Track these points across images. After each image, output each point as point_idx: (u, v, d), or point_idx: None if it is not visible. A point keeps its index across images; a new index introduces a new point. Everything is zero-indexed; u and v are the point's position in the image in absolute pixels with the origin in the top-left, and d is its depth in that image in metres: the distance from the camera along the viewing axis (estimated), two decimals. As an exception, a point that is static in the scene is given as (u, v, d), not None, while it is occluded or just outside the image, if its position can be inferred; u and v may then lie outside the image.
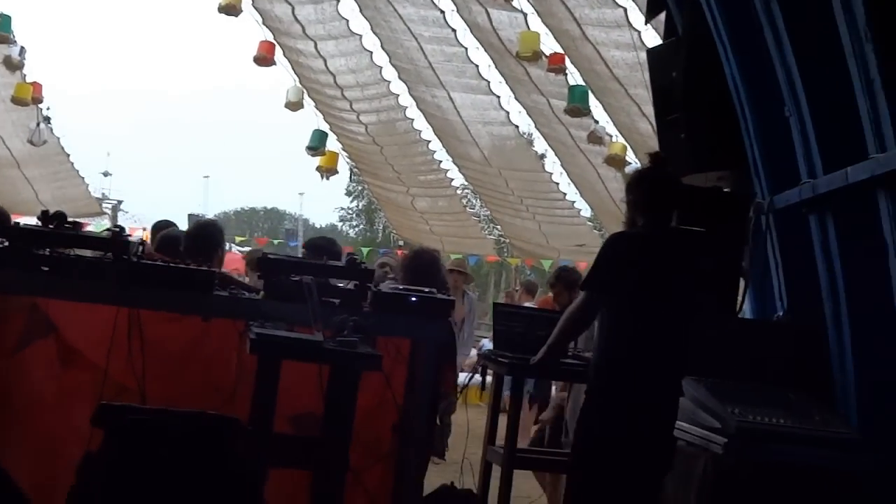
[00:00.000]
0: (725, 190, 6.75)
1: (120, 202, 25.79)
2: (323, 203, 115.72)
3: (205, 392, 5.04)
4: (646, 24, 8.20)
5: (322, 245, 6.88)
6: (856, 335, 5.14)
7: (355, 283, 5.27)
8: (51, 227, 5.08)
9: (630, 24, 12.45)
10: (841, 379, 5.31)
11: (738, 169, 6.49)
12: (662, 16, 7.43)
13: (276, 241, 31.82)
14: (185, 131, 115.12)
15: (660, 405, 4.68)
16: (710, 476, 4.85)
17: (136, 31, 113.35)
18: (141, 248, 5.27)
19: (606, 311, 4.69)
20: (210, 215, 63.20)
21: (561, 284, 8.46)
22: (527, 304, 12.70)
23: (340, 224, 67.42)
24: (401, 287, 5.47)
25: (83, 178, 23.20)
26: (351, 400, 4.53)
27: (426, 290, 5.39)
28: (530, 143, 20.62)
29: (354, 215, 56.70)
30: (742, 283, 6.37)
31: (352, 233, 59.90)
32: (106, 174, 34.47)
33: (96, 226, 24.41)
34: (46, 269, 5.04)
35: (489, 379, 6.01)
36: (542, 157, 20.29)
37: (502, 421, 5.81)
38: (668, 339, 4.65)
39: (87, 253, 5.37)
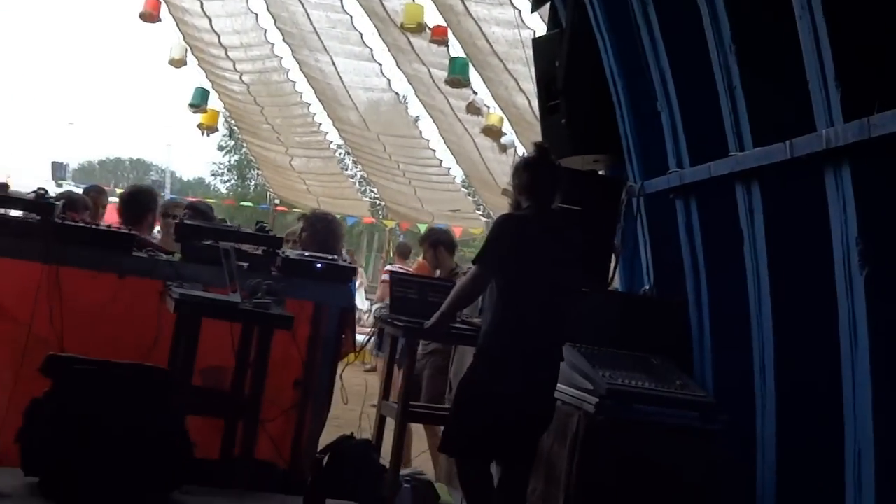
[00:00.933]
0: (601, 173, 7.38)
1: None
2: (191, 156, 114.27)
3: (121, 346, 5.40)
4: (532, 12, 8.68)
5: (203, 210, 7.29)
6: (713, 310, 5.79)
7: (264, 249, 5.72)
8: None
9: (512, 3, 12.99)
10: (699, 348, 5.96)
11: (612, 153, 7.11)
12: (547, 7, 8.02)
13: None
14: (51, 77, 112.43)
15: (542, 368, 5.25)
16: (583, 431, 5.42)
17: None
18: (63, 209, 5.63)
19: (496, 285, 5.23)
20: (74, 164, 62.00)
21: (427, 243, 9.03)
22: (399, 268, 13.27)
23: (210, 178, 66.88)
24: (306, 254, 5.93)
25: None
26: (264, 356, 5.00)
27: (330, 257, 5.88)
28: (406, 108, 21.11)
29: (226, 170, 56.30)
30: (613, 259, 7.01)
31: (223, 188, 59.51)
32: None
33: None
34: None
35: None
36: (417, 119, 20.82)
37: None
38: (550, 310, 5.21)
39: (15, 213, 5.68)
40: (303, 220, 8.09)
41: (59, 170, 44.31)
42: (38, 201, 5.48)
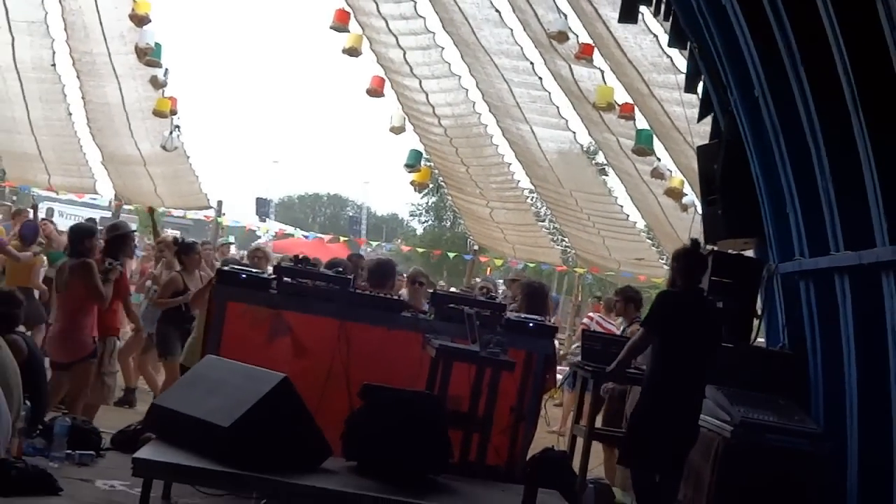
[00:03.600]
0: (749, 253, 9.38)
1: (220, 202, 28.44)
2: (386, 193, 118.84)
3: (391, 381, 7.70)
4: (698, 122, 10.68)
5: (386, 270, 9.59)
6: (825, 363, 7.74)
7: (491, 311, 7.99)
8: (298, 265, 7.87)
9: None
10: (814, 392, 7.91)
11: (758, 238, 9.11)
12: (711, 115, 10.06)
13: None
14: (259, 116, 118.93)
15: (688, 404, 7.29)
16: (722, 452, 7.46)
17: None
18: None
19: (657, 342, 7.33)
20: (276, 199, 65.57)
21: (622, 297, 11.13)
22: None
23: (405, 216, 70.01)
24: (522, 315, 8.17)
25: (197, 176, 25.51)
26: (494, 389, 7.24)
27: (538, 317, 8.10)
28: (597, 167, 23.26)
29: (424, 211, 59.32)
30: (756, 321, 9.01)
31: (419, 228, 62.56)
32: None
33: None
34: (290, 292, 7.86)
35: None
36: (603, 172, 22.92)
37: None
38: (695, 364, 7.24)
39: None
40: (519, 286, 10.36)
41: (262, 205, 47.30)
42: (338, 276, 7.90)
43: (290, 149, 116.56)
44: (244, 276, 7.91)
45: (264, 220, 48.98)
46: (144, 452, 6.01)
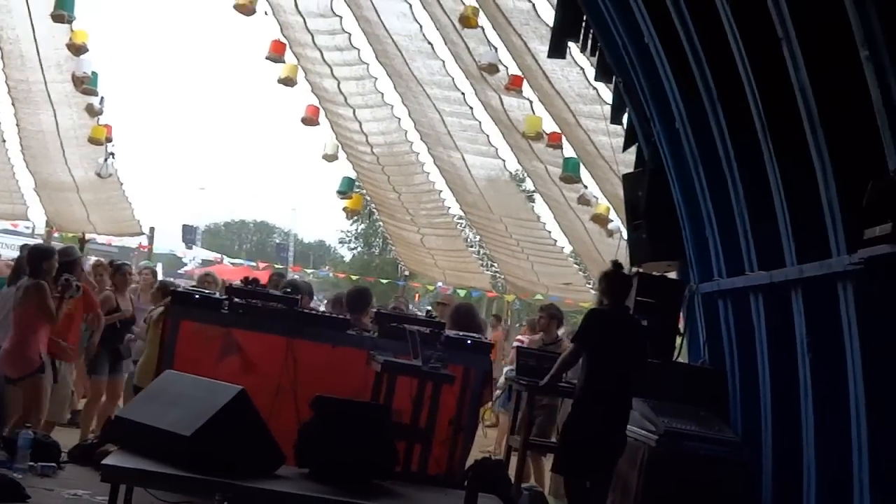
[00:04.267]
0: (672, 274, 9.98)
1: (152, 229, 28.65)
2: (314, 221, 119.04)
3: (336, 393, 8.14)
4: (623, 151, 11.29)
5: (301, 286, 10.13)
6: (742, 376, 8.31)
7: (431, 329, 8.46)
8: (248, 287, 8.30)
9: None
10: (733, 404, 8.48)
11: (680, 260, 9.71)
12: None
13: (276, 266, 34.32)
14: (187, 143, 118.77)
15: (617, 415, 7.82)
16: (647, 459, 7.99)
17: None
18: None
19: (586, 357, 7.86)
20: (202, 226, 65.38)
21: (546, 314, 11.68)
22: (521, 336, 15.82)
23: (330, 242, 70.13)
24: (460, 332, 8.67)
25: (130, 203, 25.60)
26: (436, 402, 7.72)
27: (475, 335, 8.60)
28: (525, 194, 23.93)
29: (353, 237, 59.71)
30: (679, 339, 9.59)
31: (347, 255, 62.89)
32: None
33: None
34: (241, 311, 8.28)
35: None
36: (531, 199, 23.61)
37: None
38: (621, 377, 7.79)
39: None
40: (447, 308, 10.92)
41: (189, 232, 47.25)
42: (285, 296, 8.33)
43: (216, 176, 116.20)
44: (197, 296, 8.33)
45: (191, 248, 48.88)
46: (112, 460, 6.37)
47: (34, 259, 9.20)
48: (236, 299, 8.33)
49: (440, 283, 26.93)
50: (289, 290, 8.99)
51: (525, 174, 22.50)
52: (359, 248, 60.00)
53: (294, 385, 8.28)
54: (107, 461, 6.35)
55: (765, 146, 6.85)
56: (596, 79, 11.37)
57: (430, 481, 7.94)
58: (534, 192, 23.68)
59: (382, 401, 7.67)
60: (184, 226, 47.75)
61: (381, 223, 26.54)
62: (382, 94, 18.98)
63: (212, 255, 46.16)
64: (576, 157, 17.91)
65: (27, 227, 27.22)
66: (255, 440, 6.66)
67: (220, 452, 6.39)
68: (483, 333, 9.22)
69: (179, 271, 38.43)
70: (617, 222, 18.89)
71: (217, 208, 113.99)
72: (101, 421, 10.60)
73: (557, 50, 10.89)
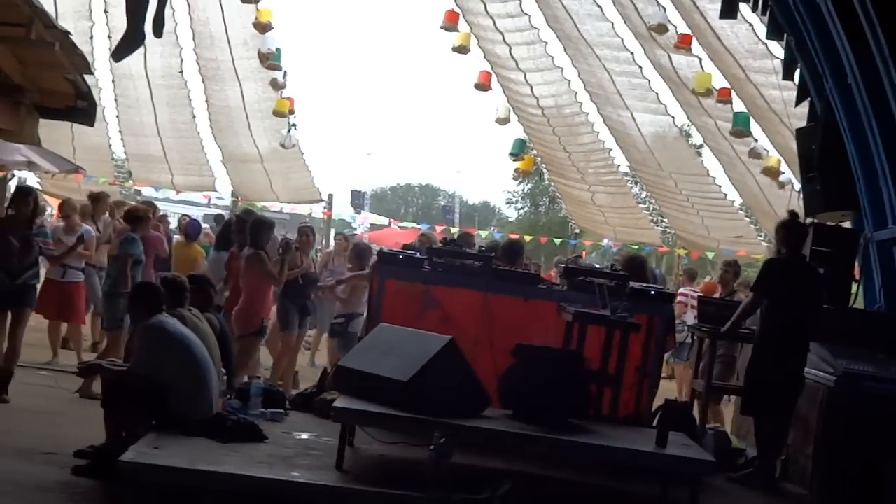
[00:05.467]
0: (846, 225, 10.32)
1: (330, 195, 29.82)
2: (478, 182, 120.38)
3: (530, 342, 8.81)
4: (795, 106, 11.59)
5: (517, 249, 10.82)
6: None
7: (617, 282, 9.05)
8: (447, 247, 9.05)
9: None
10: (910, 347, 8.85)
11: (854, 210, 10.05)
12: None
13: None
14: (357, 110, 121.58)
15: (795, 357, 8.30)
16: (826, 399, 8.45)
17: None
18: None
19: (766, 304, 8.35)
20: (369, 191, 66.84)
21: (732, 271, 12.25)
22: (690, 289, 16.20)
23: (495, 203, 70.83)
24: (643, 284, 9.23)
25: (310, 171, 26.74)
26: (625, 349, 8.32)
27: (657, 286, 9.16)
28: (694, 148, 24.17)
29: (520, 198, 60.30)
30: (855, 286, 9.95)
31: (513, 215, 63.53)
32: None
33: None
34: (441, 270, 9.04)
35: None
36: (699, 153, 23.85)
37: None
38: (800, 322, 8.26)
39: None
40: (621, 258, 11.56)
41: (357, 197, 48.42)
42: (481, 255, 9.05)
43: (382, 142, 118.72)
44: (401, 256, 9.15)
45: (359, 212, 50.16)
46: (341, 403, 7.22)
47: (255, 230, 10.17)
48: (436, 258, 9.09)
49: (607, 241, 27.28)
50: (483, 247, 9.72)
51: (692, 128, 22.76)
52: (525, 208, 60.58)
53: (490, 336, 8.97)
54: (337, 404, 7.19)
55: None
56: (768, 37, 11.68)
57: (621, 422, 8.53)
58: (701, 146, 23.87)
59: (574, 348, 8.30)
60: (352, 191, 48.85)
61: (551, 182, 27.05)
62: (553, 57, 19.52)
63: (380, 220, 47.37)
64: (746, 111, 18.12)
65: (219, 198, 28.61)
66: (464, 384, 7.39)
67: (434, 395, 7.14)
68: (663, 283, 9.76)
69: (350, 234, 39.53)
70: (788, 174, 19.02)
71: (383, 173, 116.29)
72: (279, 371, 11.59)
73: (730, 11, 11.27)
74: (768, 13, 10.79)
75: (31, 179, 22.18)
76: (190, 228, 14.93)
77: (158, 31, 7.63)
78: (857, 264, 10.05)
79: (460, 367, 7.46)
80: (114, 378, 7.54)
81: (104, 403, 7.43)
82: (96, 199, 14.25)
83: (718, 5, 12.08)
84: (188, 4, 19.60)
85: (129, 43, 7.61)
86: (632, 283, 9.04)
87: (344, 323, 11.63)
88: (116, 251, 11.16)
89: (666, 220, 26.73)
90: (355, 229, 47.98)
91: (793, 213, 8.72)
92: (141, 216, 11.51)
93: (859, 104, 9.07)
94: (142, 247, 11.08)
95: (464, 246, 10.55)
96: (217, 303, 9.70)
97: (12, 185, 16.59)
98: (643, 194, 27.21)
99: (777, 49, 13.65)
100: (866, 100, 8.86)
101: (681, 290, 16.33)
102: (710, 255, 25.49)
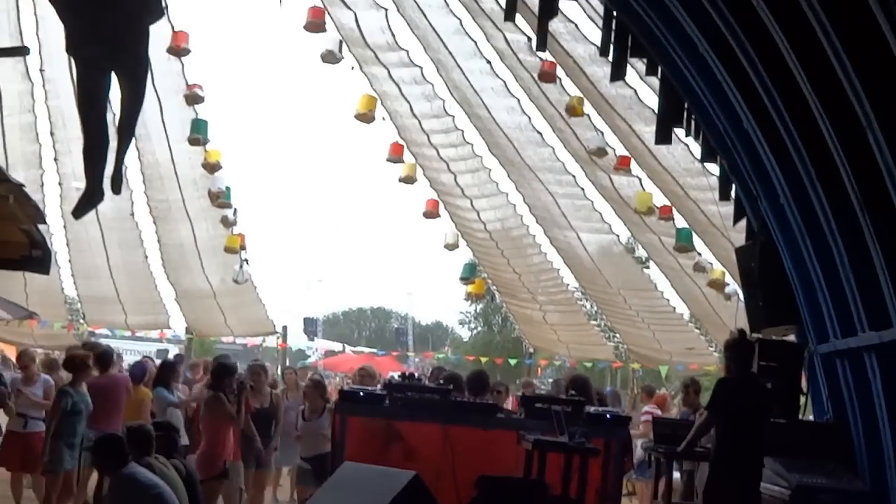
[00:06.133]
0: (791, 338, 10.66)
1: (285, 327, 29.99)
2: (430, 304, 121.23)
3: (491, 471, 8.99)
4: (734, 225, 12.02)
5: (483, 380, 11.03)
6: (865, 430, 8.95)
7: (573, 407, 9.29)
8: (405, 381, 9.25)
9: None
10: (858, 455, 9.11)
11: (797, 324, 10.39)
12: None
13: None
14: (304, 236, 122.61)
15: (751, 472, 8.53)
16: (782, 514, 8.68)
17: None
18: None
19: (719, 423, 8.60)
20: (321, 317, 66.72)
21: (693, 389, 12.56)
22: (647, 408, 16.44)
23: (447, 323, 71.20)
24: (599, 409, 9.47)
25: (263, 304, 26.86)
26: (585, 473, 8.52)
27: (613, 409, 9.40)
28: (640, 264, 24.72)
29: (473, 317, 60.75)
30: (802, 398, 10.24)
31: (466, 335, 63.90)
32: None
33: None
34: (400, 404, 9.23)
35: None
36: (646, 266, 24.48)
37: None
38: (753, 438, 8.51)
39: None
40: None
41: (310, 324, 48.43)
42: (439, 388, 9.26)
43: (332, 268, 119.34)
44: (361, 393, 9.35)
45: (313, 339, 50.08)
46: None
47: (216, 373, 10.34)
48: (395, 393, 9.29)
49: (564, 358, 27.56)
50: (441, 381, 9.95)
51: (636, 243, 23.35)
52: (478, 328, 60.96)
53: (453, 467, 9.14)
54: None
55: (861, 217, 7.58)
56: (702, 160, 12.15)
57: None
58: (648, 260, 24.42)
59: (535, 476, 8.49)
60: (305, 318, 48.72)
61: (503, 303, 27.42)
62: (497, 183, 20.05)
63: (334, 346, 47.32)
64: (688, 227, 18.64)
65: (175, 335, 28.63)
66: (430, 519, 7.54)
67: (401, 532, 7.27)
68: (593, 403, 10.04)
69: (303, 363, 39.57)
70: (734, 286, 19.45)
71: (335, 299, 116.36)
72: None
73: (664, 136, 11.72)
74: (701, 137, 11.26)
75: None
76: (136, 370, 14.62)
77: (117, 187, 7.85)
78: (803, 376, 10.34)
79: (426, 501, 7.60)
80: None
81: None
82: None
83: (654, 128, 12.57)
84: (137, 149, 19.92)
85: (88, 200, 7.80)
86: (588, 409, 9.27)
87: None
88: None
89: (618, 335, 27.10)
90: (309, 356, 47.97)
91: (741, 332, 9.03)
92: (77, 364, 11.41)
93: (792, 223, 9.47)
94: (77, 397, 11.06)
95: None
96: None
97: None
98: (594, 310, 27.56)
99: (712, 166, 14.17)
100: (798, 219, 9.26)
101: (645, 409, 16.56)
102: (664, 369, 25.85)
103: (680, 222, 18.80)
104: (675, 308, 23.22)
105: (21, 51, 14.16)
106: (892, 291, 7.46)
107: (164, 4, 7.57)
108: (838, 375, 9.41)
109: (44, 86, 18.62)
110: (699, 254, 19.52)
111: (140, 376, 14.52)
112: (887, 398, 8.15)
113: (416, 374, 10.37)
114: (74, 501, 12.74)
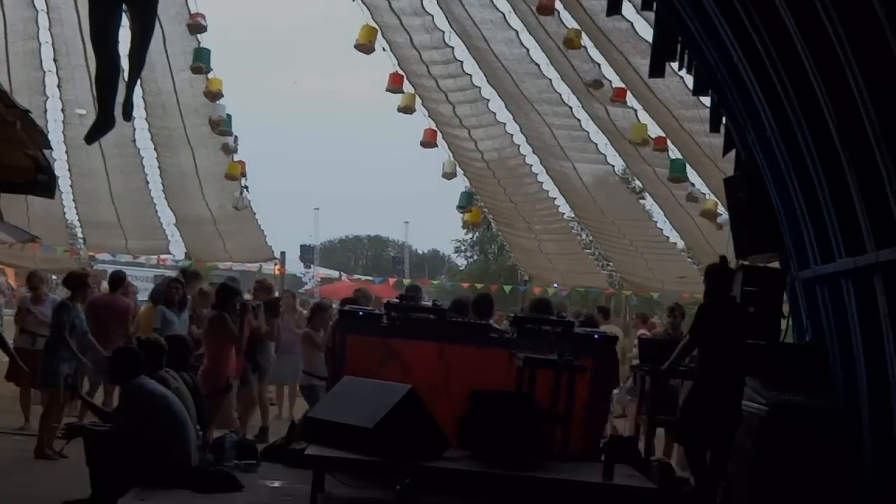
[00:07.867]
0: (774, 265, 11.08)
1: (283, 253, 30.38)
2: (427, 233, 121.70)
3: (483, 387, 9.41)
4: (723, 156, 12.37)
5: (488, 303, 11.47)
6: (841, 352, 9.39)
7: (562, 327, 9.72)
8: (403, 302, 9.68)
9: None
10: (834, 378, 9.56)
11: (780, 252, 10.80)
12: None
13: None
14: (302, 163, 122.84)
15: (732, 392, 8.96)
16: (759, 427, 9.13)
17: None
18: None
19: (701, 345, 9.03)
20: (318, 244, 66.88)
21: (679, 314, 13.03)
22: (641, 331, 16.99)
23: (444, 252, 71.63)
24: (588, 329, 9.91)
25: (263, 230, 27.17)
26: (572, 390, 8.98)
27: (600, 330, 9.85)
28: (636, 194, 25.10)
29: (469, 246, 61.11)
30: (784, 322, 10.68)
31: (462, 264, 64.30)
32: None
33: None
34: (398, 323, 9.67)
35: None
36: (641, 197, 24.89)
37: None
38: (733, 359, 8.91)
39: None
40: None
41: (306, 252, 48.73)
42: (435, 308, 9.70)
43: (330, 196, 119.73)
44: (361, 313, 9.78)
45: (309, 267, 50.36)
46: (313, 451, 7.82)
47: (221, 294, 10.79)
48: (393, 313, 9.71)
49: (558, 285, 28.02)
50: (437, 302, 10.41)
51: (632, 176, 23.72)
52: (474, 257, 61.39)
53: (447, 383, 9.58)
54: (309, 451, 7.78)
55: (840, 150, 7.96)
56: (694, 93, 12.45)
57: (571, 458, 9.16)
58: (642, 191, 24.83)
59: (526, 391, 8.95)
60: (301, 246, 48.88)
61: (499, 232, 27.83)
62: (495, 113, 20.36)
63: (331, 273, 47.58)
64: (681, 158, 18.99)
65: (175, 260, 28.96)
66: (424, 429, 8.02)
67: (398, 440, 7.76)
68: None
69: (300, 290, 40.07)
70: (725, 216, 19.83)
71: (331, 226, 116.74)
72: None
73: (657, 70, 12.01)
74: (693, 71, 11.57)
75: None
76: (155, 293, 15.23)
77: (128, 115, 8.22)
78: (786, 301, 10.77)
79: (420, 413, 8.08)
80: (98, 438, 8.07)
81: (89, 462, 7.97)
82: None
83: (649, 62, 12.86)
84: (140, 77, 20.12)
85: (100, 127, 8.19)
86: (577, 329, 9.71)
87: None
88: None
89: (612, 263, 27.57)
90: (306, 283, 48.39)
91: (722, 258, 9.43)
92: (76, 281, 11.82)
93: (778, 156, 9.83)
94: (74, 313, 11.47)
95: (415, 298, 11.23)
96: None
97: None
98: (588, 239, 27.99)
99: (707, 100, 14.49)
100: (784, 150, 9.62)
101: (640, 332, 17.07)
102: (656, 295, 26.30)
103: (674, 154, 19.14)
104: (668, 238, 23.67)
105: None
106: (868, 220, 7.86)
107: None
108: (818, 300, 9.84)
109: (48, 13, 18.78)
110: (692, 184, 19.89)
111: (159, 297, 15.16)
112: (861, 321, 8.57)
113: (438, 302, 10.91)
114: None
